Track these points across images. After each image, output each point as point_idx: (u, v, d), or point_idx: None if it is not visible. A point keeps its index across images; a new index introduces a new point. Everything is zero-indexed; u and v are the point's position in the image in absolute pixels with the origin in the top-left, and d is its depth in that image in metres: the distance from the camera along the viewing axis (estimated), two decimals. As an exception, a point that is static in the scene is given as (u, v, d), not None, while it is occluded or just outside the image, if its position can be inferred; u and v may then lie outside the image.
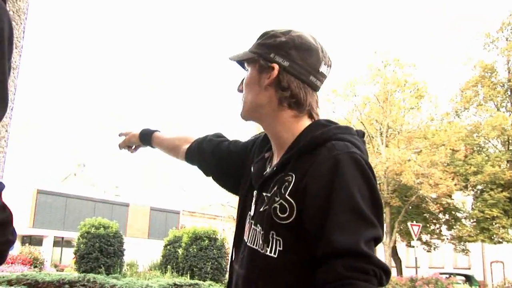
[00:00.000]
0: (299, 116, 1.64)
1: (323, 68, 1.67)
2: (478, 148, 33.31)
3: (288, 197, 1.49)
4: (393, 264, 33.78)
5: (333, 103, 33.23)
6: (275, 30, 1.70)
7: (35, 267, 28.57)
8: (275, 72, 1.63)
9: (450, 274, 31.76)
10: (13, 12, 2.18)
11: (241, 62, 1.79)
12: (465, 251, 34.80)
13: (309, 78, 1.64)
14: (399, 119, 34.06)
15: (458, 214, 33.51)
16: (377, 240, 1.40)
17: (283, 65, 1.63)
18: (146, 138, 2.40)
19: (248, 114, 1.74)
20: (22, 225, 36.62)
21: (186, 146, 2.19)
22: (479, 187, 31.99)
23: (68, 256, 36.96)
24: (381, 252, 37.01)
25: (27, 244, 36.02)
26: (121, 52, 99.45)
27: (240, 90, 1.78)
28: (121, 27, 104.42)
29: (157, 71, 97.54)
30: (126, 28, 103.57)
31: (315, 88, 1.68)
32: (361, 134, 1.67)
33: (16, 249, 30.56)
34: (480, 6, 70.20)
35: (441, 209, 32.43)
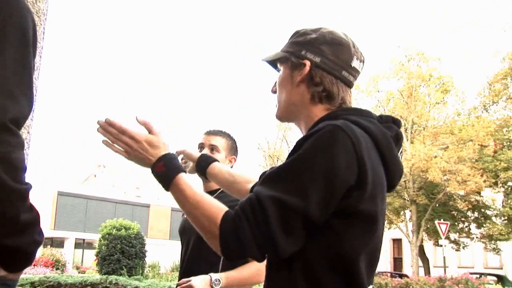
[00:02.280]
0: (331, 110, 1.65)
1: (355, 63, 1.68)
2: (509, 143, 32.89)
3: None
4: (420, 263, 33.61)
5: (355, 99, 33.09)
6: (305, 29, 1.74)
7: (57, 269, 28.88)
8: (307, 68, 1.65)
9: (481, 274, 31.31)
10: (33, 13, 2.21)
11: (273, 63, 1.81)
12: (496, 250, 34.40)
13: (341, 73, 1.65)
14: (424, 115, 33.86)
15: (488, 212, 33.13)
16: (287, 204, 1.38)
17: (315, 60, 1.65)
18: (203, 165, 2.28)
19: (283, 113, 1.76)
20: (43, 227, 36.76)
21: (250, 185, 2.13)
22: (510, 183, 31.64)
23: (90, 257, 37.27)
24: (408, 251, 36.81)
25: (48, 246, 36.42)
26: (143, 56, 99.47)
27: (274, 91, 1.80)
28: (139, 31, 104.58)
29: (173, 76, 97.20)
30: (144, 32, 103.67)
31: (348, 84, 1.69)
32: (384, 119, 1.68)
33: (38, 251, 30.87)
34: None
35: (470, 206, 32.11)
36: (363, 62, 1.73)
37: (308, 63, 1.65)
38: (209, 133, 3.16)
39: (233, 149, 3.18)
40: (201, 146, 3.13)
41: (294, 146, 1.49)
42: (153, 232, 43.96)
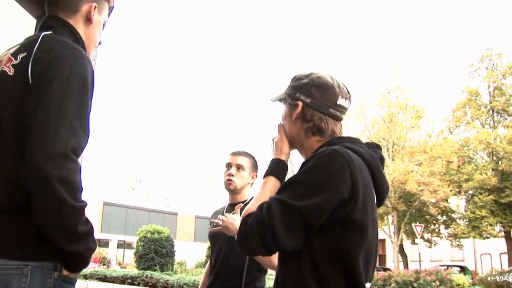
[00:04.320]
0: (322, 141, 1.69)
1: (340, 101, 1.70)
2: (468, 159, 32.98)
3: None
4: (400, 259, 33.42)
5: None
6: (300, 74, 1.78)
7: (104, 264, 28.88)
8: (299, 108, 1.69)
9: (448, 266, 31.20)
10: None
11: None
12: (460, 246, 34.45)
13: (329, 110, 1.69)
14: (402, 137, 33.87)
15: (454, 215, 33.07)
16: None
17: (306, 101, 1.69)
18: None
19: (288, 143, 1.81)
20: (91, 231, 36.85)
21: None
22: (470, 192, 31.64)
23: (129, 256, 37.21)
24: (390, 249, 36.59)
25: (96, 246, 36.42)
26: (181, 77, 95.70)
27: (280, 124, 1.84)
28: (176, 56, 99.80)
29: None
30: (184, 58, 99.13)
31: (336, 118, 1.71)
32: (370, 145, 1.73)
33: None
34: (475, 31, 69.37)
35: (440, 211, 32.16)
36: (349, 99, 1.75)
37: (300, 103, 1.70)
38: (235, 153, 3.13)
39: (255, 167, 3.14)
40: (229, 165, 3.09)
41: (301, 165, 1.55)
42: (181, 235, 43.82)
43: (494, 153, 31.87)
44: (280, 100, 1.82)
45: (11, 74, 1.54)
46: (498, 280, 18.47)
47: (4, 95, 1.53)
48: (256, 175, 3.13)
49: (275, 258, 2.52)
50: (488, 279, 19.07)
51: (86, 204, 1.47)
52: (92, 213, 37.24)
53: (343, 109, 1.72)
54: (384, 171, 1.71)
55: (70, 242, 1.45)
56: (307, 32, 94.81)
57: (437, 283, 15.78)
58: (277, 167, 1.72)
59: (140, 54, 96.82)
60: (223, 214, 3.05)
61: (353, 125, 34.39)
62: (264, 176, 1.71)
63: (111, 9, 2.22)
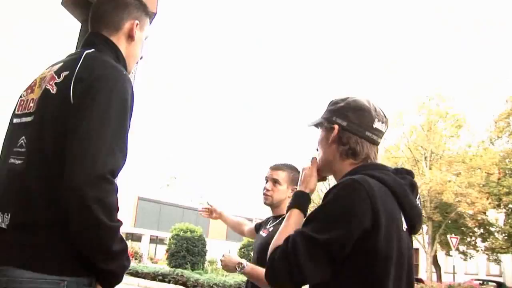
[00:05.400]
0: (355, 164, 1.70)
1: (377, 125, 1.71)
2: (510, 172, 32.16)
3: None
4: (433, 270, 32.89)
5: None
6: (336, 98, 1.80)
7: (135, 259, 29.28)
8: (336, 131, 1.71)
9: (484, 280, 30.66)
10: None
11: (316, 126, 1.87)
12: (497, 261, 33.86)
13: (365, 134, 1.70)
14: (441, 146, 33.24)
15: (492, 229, 32.31)
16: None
17: (342, 124, 1.70)
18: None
19: (322, 168, 1.82)
20: (126, 224, 37.54)
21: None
22: (511, 205, 30.89)
23: (161, 251, 37.62)
24: (424, 259, 36.01)
25: (129, 240, 36.97)
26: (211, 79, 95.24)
27: (317, 149, 1.86)
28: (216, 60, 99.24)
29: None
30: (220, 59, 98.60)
31: (373, 142, 1.72)
32: (399, 171, 1.72)
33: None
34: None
35: (477, 224, 31.38)
36: (386, 123, 1.75)
37: (336, 127, 1.71)
38: (272, 168, 3.11)
39: (294, 180, 3.02)
40: (266, 180, 3.10)
41: (323, 196, 1.56)
42: (213, 234, 44.00)
43: (537, 166, 31.04)
44: (316, 125, 1.83)
45: (53, 92, 1.59)
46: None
47: (47, 114, 1.57)
48: (296, 188, 3.04)
49: None
50: (526, 297, 18.56)
51: (122, 224, 1.51)
52: (127, 208, 37.83)
53: (379, 133, 1.73)
54: (417, 198, 1.70)
55: (105, 260, 1.49)
56: (336, 35, 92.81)
57: (471, 298, 15.43)
58: (301, 200, 1.75)
59: (176, 52, 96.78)
60: (266, 226, 3.09)
61: (391, 132, 34.00)
62: (288, 209, 1.73)
63: (153, 16, 2.26)
